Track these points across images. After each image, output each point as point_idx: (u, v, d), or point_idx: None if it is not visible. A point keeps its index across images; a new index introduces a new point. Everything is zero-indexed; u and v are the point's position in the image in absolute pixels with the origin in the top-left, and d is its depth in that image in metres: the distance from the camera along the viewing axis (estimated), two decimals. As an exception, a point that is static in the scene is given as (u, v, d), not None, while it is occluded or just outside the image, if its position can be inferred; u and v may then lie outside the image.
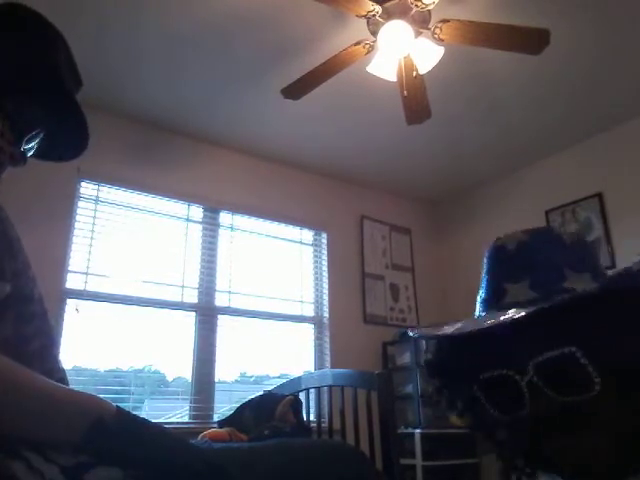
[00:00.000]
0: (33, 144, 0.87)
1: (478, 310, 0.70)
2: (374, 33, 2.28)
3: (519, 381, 0.59)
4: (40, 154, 0.93)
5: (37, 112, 0.86)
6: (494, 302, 0.66)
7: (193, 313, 3.34)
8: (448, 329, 0.64)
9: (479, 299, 0.70)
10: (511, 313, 0.59)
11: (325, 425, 2.80)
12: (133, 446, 0.67)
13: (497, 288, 0.66)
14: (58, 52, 0.88)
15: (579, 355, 0.56)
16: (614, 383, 0.56)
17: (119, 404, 0.72)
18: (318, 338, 3.81)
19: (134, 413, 0.73)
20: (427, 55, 2.30)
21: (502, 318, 0.59)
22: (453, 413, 0.71)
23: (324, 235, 4.06)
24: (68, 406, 0.67)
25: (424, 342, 3.68)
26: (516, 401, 0.60)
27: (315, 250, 4.07)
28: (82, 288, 2.99)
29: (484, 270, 0.71)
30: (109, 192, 3.25)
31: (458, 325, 0.64)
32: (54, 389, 0.68)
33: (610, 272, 0.63)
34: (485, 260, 0.71)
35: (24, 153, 0.86)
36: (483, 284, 0.70)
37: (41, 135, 0.87)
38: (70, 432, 0.65)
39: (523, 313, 0.57)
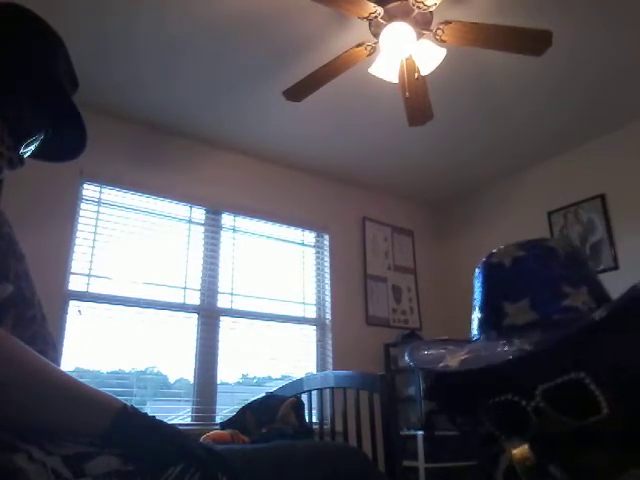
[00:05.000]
0: (32, 147, 0.87)
1: (476, 331, 0.69)
2: (376, 35, 2.29)
3: (525, 406, 0.59)
4: (40, 155, 0.93)
5: (36, 116, 0.86)
6: (493, 323, 0.65)
7: (195, 315, 3.34)
8: (450, 361, 0.63)
9: (476, 319, 0.69)
10: (516, 345, 0.58)
11: (327, 427, 2.80)
12: (150, 434, 0.72)
13: (495, 308, 0.66)
14: (57, 55, 0.88)
15: (588, 381, 0.56)
16: (622, 405, 0.57)
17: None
18: (320, 340, 3.81)
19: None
20: (429, 56, 2.30)
21: (507, 352, 0.58)
22: (453, 428, 0.72)
23: (326, 237, 4.06)
24: (91, 401, 0.71)
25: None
26: (522, 425, 0.60)
27: (317, 252, 4.07)
28: (84, 290, 2.99)
29: (479, 287, 0.70)
30: (111, 194, 3.25)
31: (460, 357, 0.63)
32: (77, 384, 0.72)
33: (616, 294, 0.61)
34: (479, 277, 0.70)
35: (22, 156, 0.87)
36: (479, 302, 0.69)
37: (40, 139, 0.88)
38: (91, 426, 0.69)
39: (528, 348, 0.56)
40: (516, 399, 0.60)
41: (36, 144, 0.88)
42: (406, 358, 0.70)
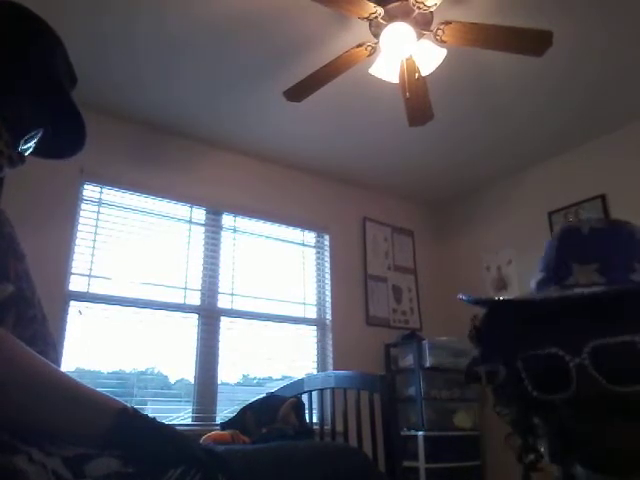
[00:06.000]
0: (31, 144, 0.87)
1: (534, 288, 0.69)
2: (376, 35, 2.29)
3: (568, 362, 0.58)
4: (40, 152, 0.93)
5: (35, 115, 0.86)
6: (557, 280, 0.65)
7: (196, 315, 3.34)
8: (508, 296, 0.64)
9: (538, 277, 0.69)
10: (581, 290, 0.58)
11: (328, 427, 2.79)
12: (151, 436, 0.71)
13: (563, 266, 0.66)
14: (55, 54, 0.88)
15: None
16: None
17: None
18: (321, 340, 3.81)
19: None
20: (429, 57, 2.30)
21: (574, 291, 0.58)
22: (491, 386, 0.70)
23: (326, 237, 4.06)
24: (91, 402, 0.71)
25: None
26: (560, 383, 0.59)
27: (317, 252, 4.07)
28: (85, 290, 2.99)
29: (549, 249, 0.70)
30: (112, 194, 3.25)
31: (519, 293, 0.63)
32: (77, 384, 0.72)
33: None
34: (552, 239, 0.70)
35: (22, 154, 0.86)
36: (545, 262, 0.69)
37: (39, 136, 0.87)
38: (92, 426, 0.69)
39: (597, 289, 0.56)
40: (561, 353, 0.59)
41: (35, 140, 0.88)
42: (460, 296, 0.70)
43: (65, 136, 0.95)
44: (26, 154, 0.88)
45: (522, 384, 0.64)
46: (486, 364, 0.70)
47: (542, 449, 0.71)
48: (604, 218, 0.71)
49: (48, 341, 0.81)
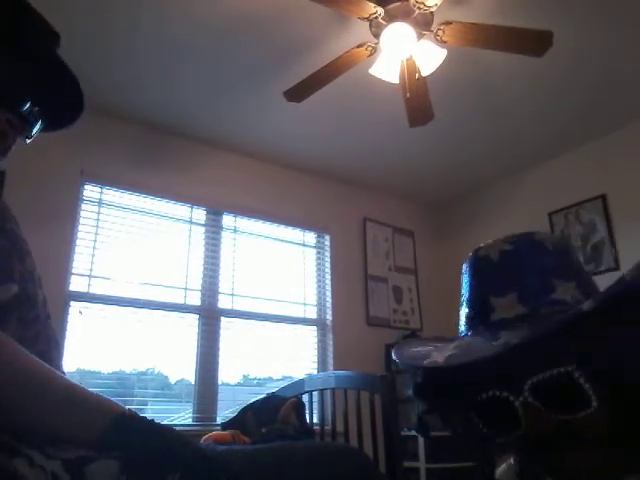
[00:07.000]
0: (28, 107, 0.84)
1: (464, 327, 0.68)
2: (376, 35, 2.29)
3: (513, 402, 0.59)
4: (45, 122, 0.90)
5: (16, 68, 0.83)
6: (481, 319, 0.64)
7: (196, 315, 3.34)
8: (437, 357, 0.62)
9: (463, 315, 0.68)
10: (503, 339, 0.57)
11: (328, 427, 2.79)
12: (150, 439, 0.71)
13: (483, 303, 0.64)
14: (27, 23, 0.85)
15: (577, 375, 0.56)
16: (608, 400, 0.56)
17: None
18: (321, 340, 3.81)
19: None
20: (430, 57, 2.30)
21: (494, 346, 0.57)
22: (447, 430, 0.69)
23: (327, 237, 4.06)
24: (89, 403, 0.71)
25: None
26: (511, 422, 0.59)
27: (318, 252, 4.07)
28: (85, 291, 2.99)
29: (466, 282, 0.69)
30: (112, 195, 3.25)
31: (447, 353, 0.62)
32: (75, 387, 0.72)
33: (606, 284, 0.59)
34: (466, 271, 0.69)
35: (23, 117, 0.84)
36: (466, 297, 0.68)
37: (30, 96, 0.84)
38: (89, 428, 0.68)
39: (515, 341, 0.55)
40: (505, 394, 0.59)
41: (30, 102, 0.84)
42: (393, 355, 0.70)
43: (63, 100, 0.92)
44: (35, 128, 0.86)
45: (475, 425, 0.64)
46: (434, 414, 0.70)
47: (512, 461, 0.71)
48: (512, 235, 0.69)
49: (51, 340, 0.81)
